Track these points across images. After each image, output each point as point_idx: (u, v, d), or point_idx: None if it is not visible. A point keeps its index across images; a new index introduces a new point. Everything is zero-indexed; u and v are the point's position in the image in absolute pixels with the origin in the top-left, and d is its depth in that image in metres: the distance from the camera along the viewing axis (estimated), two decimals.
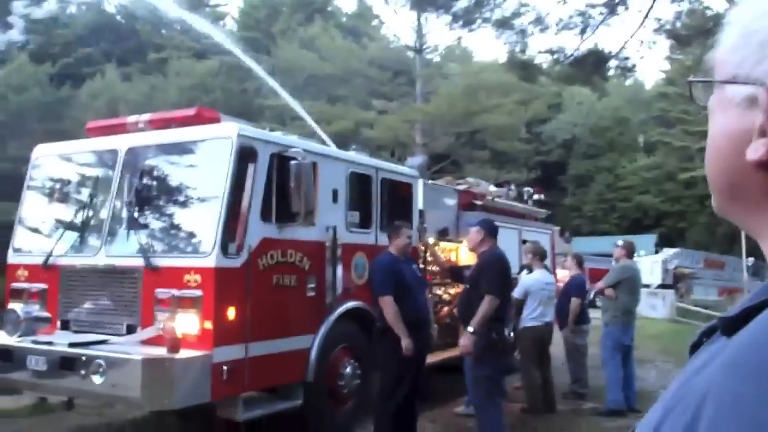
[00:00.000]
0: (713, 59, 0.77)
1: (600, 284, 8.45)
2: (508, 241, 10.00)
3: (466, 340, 5.97)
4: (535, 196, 12.49)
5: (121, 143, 6.53)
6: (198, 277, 5.59)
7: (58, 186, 7.00)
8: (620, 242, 8.60)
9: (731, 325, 0.65)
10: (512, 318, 8.43)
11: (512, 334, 8.57)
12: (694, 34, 13.79)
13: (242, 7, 48.12)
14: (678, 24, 13.30)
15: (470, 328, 5.90)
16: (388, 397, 6.12)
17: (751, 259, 24.03)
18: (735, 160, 0.72)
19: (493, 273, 6.05)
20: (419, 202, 8.48)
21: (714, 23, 13.26)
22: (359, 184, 7.47)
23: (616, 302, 8.15)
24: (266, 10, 45.42)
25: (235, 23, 46.96)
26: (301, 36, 36.03)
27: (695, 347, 0.76)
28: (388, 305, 6.12)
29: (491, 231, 6.42)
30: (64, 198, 6.91)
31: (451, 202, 9.72)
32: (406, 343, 6.05)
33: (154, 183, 6.34)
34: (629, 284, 8.23)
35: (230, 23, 46.44)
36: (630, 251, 8.48)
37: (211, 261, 5.60)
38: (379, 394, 6.28)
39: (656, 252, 32.88)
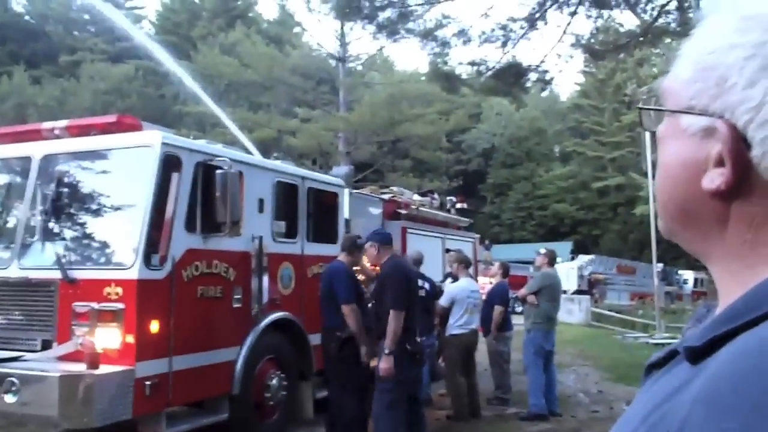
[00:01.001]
0: (663, 88, 0.77)
1: (522, 291, 8.63)
2: (432, 249, 10.14)
3: (386, 363, 5.67)
4: (458, 205, 12.69)
5: (35, 150, 6.25)
6: (119, 290, 5.40)
7: None
8: (542, 250, 8.82)
9: (696, 354, 0.65)
10: (436, 326, 8.53)
11: (436, 342, 8.68)
12: (608, 50, 14.37)
13: (160, 11, 47.03)
14: (593, 40, 13.80)
15: (386, 350, 5.66)
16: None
17: (660, 265, 25.09)
18: (689, 188, 0.72)
19: (394, 285, 5.85)
20: (345, 211, 8.48)
21: (626, 39, 13.86)
22: (285, 193, 7.40)
23: (537, 309, 8.34)
24: (185, 14, 44.60)
25: (152, 27, 45.84)
26: (221, 41, 35.49)
27: (651, 368, 0.77)
28: (354, 313, 6.08)
29: (385, 240, 6.28)
30: None
31: (377, 211, 9.77)
32: (366, 351, 6.05)
33: (72, 192, 6.08)
34: (550, 291, 8.44)
35: (147, 26, 45.30)
36: (552, 259, 8.70)
37: (133, 273, 5.42)
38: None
39: (572, 259, 33.94)
